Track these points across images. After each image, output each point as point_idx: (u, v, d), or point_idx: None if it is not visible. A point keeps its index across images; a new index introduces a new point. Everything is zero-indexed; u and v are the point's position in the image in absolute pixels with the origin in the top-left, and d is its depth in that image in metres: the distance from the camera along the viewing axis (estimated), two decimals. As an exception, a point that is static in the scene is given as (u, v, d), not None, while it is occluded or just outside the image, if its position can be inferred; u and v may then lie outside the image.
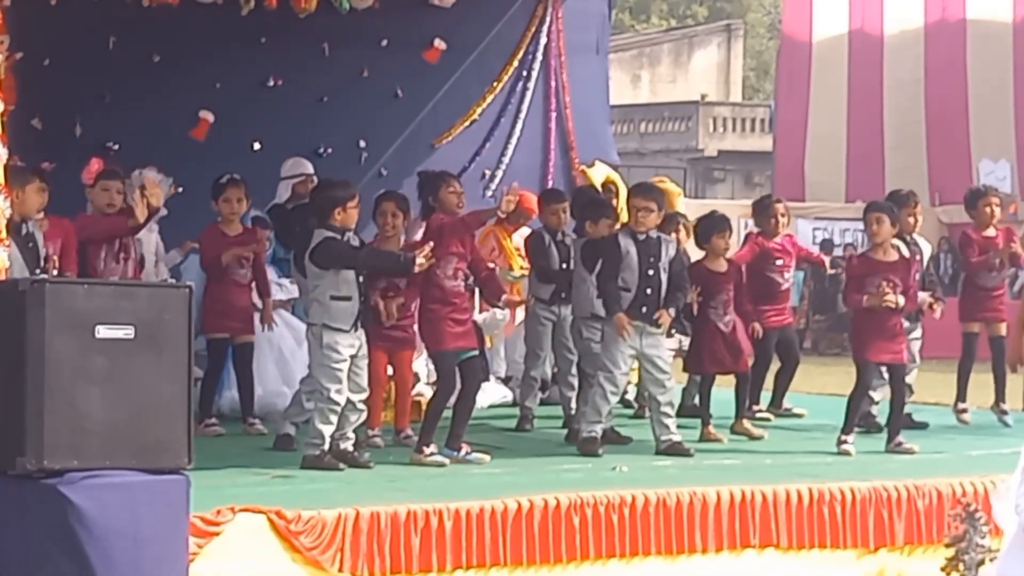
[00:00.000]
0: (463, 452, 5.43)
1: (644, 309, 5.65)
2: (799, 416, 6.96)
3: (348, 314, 5.20)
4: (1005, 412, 6.79)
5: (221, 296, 6.05)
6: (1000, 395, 6.81)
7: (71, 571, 3.80)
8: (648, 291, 5.66)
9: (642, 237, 5.73)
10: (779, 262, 6.73)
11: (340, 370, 5.20)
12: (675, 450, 5.67)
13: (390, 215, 5.63)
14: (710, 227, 6.32)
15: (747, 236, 7.01)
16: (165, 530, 3.93)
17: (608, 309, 5.78)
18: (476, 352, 5.53)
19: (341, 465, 5.20)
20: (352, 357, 5.23)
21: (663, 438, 5.71)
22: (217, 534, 4.23)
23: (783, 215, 6.73)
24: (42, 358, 3.83)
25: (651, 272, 5.66)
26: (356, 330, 5.23)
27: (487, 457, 5.45)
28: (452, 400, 5.52)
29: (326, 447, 5.23)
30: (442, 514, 4.48)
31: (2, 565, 3.86)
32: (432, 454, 5.39)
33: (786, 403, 7.05)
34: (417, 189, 5.73)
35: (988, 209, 6.71)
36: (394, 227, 5.64)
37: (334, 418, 5.23)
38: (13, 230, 5.18)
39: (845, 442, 5.87)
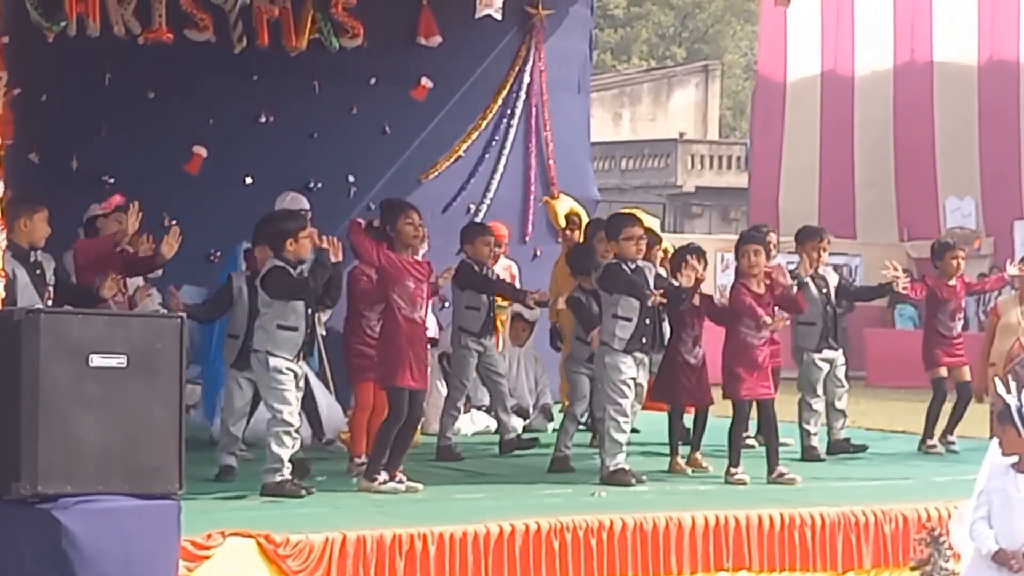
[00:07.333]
0: (398, 480, 5.40)
1: None
2: (787, 445, 7.03)
3: (293, 344, 5.24)
4: (952, 443, 7.10)
5: None
6: (950, 429, 7.10)
7: (63, 595, 3.88)
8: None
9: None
10: None
11: (289, 390, 5.21)
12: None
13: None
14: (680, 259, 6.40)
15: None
16: (155, 554, 4.03)
17: None
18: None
19: (302, 492, 5.19)
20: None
21: None
22: (207, 558, 4.33)
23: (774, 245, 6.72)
24: (37, 386, 3.94)
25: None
26: (298, 360, 5.26)
27: (420, 486, 5.41)
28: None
29: (287, 473, 5.22)
30: (426, 538, 4.59)
31: (-4, 588, 3.95)
32: (385, 482, 5.38)
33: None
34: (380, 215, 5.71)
35: (955, 262, 6.98)
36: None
37: (290, 441, 5.22)
38: (22, 258, 5.28)
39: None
